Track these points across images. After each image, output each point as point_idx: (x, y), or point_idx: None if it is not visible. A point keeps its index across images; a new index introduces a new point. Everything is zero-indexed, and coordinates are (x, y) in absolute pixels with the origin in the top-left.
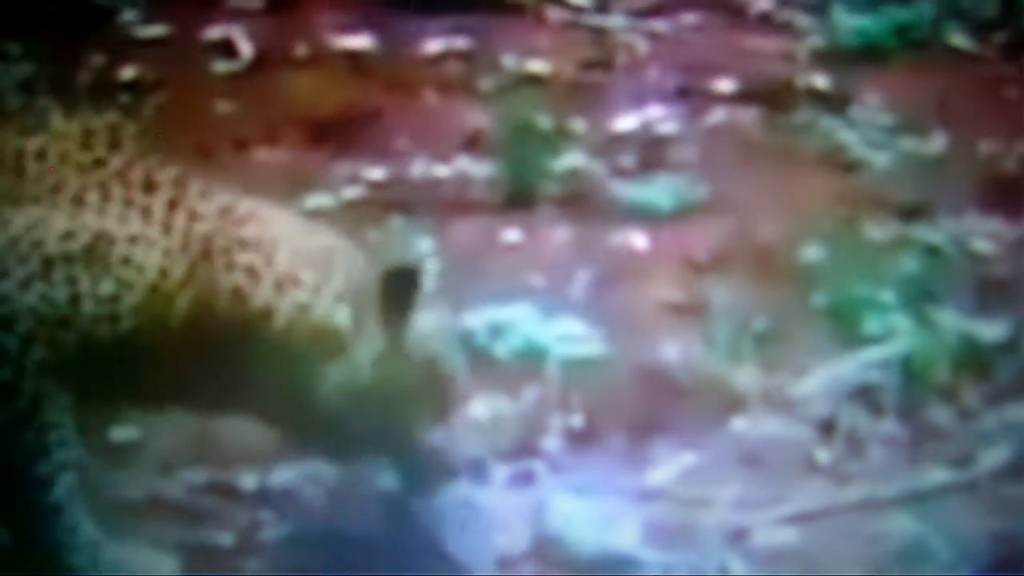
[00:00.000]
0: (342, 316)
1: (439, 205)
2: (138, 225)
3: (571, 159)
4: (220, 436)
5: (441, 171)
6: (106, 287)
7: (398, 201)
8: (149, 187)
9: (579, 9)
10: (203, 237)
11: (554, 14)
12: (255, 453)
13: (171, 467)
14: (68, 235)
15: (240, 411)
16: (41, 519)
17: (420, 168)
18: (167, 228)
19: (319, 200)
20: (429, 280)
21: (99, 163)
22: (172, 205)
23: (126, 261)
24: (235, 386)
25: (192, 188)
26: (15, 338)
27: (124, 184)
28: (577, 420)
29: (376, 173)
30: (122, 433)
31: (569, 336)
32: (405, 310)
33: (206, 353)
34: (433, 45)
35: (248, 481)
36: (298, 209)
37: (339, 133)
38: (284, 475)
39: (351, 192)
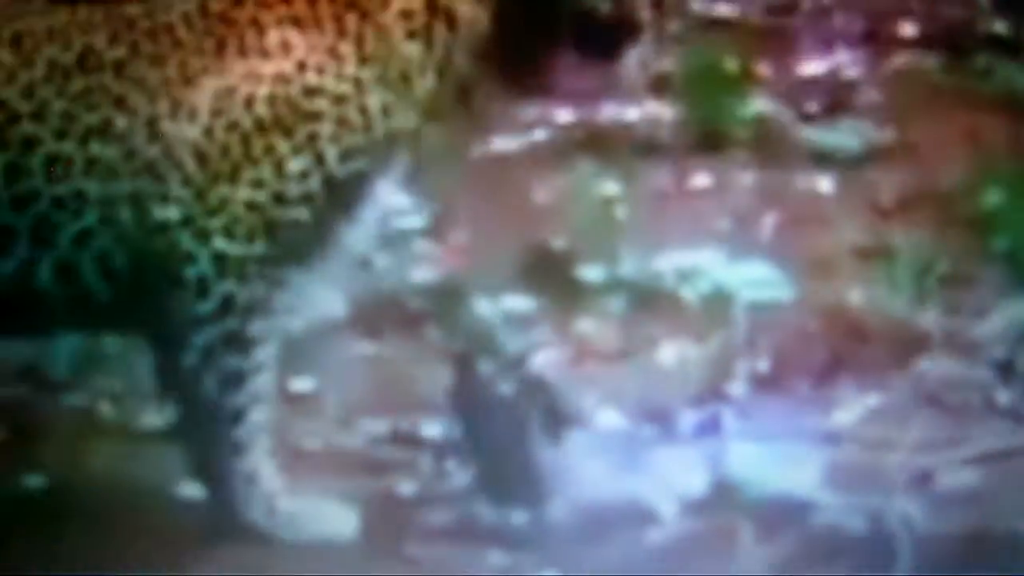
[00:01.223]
0: None
1: (628, 148)
2: None
3: (758, 104)
4: (403, 383)
5: (630, 114)
6: None
7: (586, 144)
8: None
9: None
10: None
11: None
12: (436, 400)
13: (351, 417)
14: None
15: None
16: (221, 458)
17: (609, 111)
18: None
19: (506, 143)
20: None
21: None
22: None
23: None
24: None
25: None
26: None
27: None
28: (763, 364)
29: (564, 116)
30: (301, 384)
31: (756, 280)
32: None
33: None
34: None
35: (431, 429)
36: (486, 151)
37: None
38: None
39: (539, 135)
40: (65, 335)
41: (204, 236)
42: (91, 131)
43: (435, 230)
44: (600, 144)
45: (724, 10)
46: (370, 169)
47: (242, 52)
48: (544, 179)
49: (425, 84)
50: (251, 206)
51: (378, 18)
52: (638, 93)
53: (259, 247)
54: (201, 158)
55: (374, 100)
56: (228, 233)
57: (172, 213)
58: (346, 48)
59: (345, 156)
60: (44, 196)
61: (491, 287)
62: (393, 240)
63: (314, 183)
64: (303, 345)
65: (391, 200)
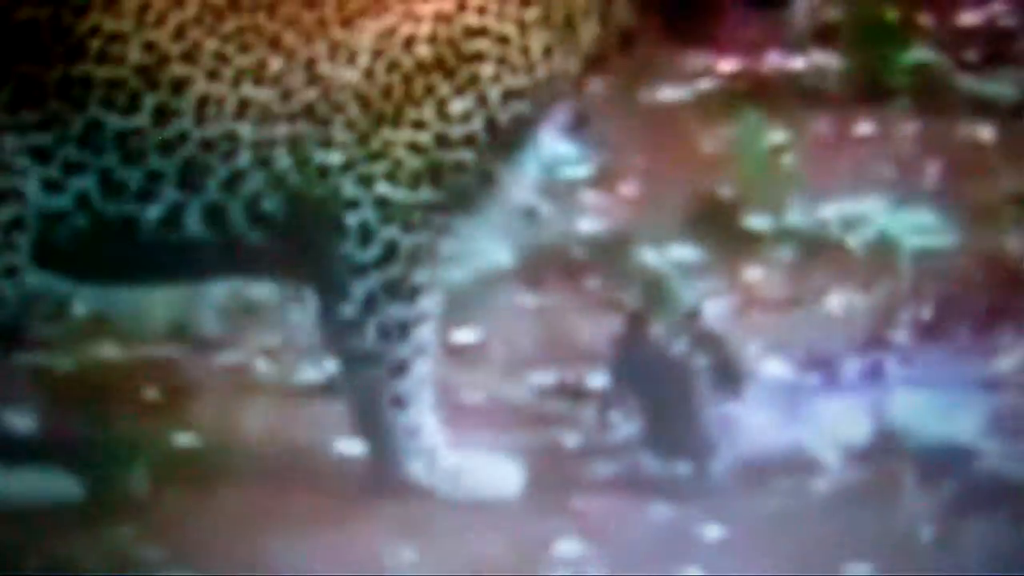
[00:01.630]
0: None
1: (793, 97)
2: None
3: (918, 53)
4: (568, 334)
5: (795, 63)
6: None
7: (751, 93)
8: None
9: None
10: None
11: None
12: (601, 351)
13: (516, 369)
14: None
15: None
16: (382, 411)
17: (774, 60)
18: None
19: (673, 93)
20: None
21: None
22: None
23: None
24: None
25: None
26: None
27: None
28: (926, 312)
29: (728, 65)
30: (464, 335)
31: (919, 227)
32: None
33: None
34: None
35: (596, 380)
36: (651, 100)
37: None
38: None
39: (704, 84)
40: (214, 284)
41: (367, 181)
42: (243, 73)
43: (601, 180)
44: (766, 94)
45: None
46: (532, 113)
47: None
48: (711, 129)
49: (588, 28)
50: (414, 148)
51: None
52: (803, 43)
53: (424, 193)
54: (363, 101)
55: (536, 42)
56: (392, 178)
57: (334, 158)
58: None
59: (507, 97)
60: (193, 138)
61: (658, 237)
62: (559, 190)
63: (477, 125)
64: (467, 296)
65: (557, 149)
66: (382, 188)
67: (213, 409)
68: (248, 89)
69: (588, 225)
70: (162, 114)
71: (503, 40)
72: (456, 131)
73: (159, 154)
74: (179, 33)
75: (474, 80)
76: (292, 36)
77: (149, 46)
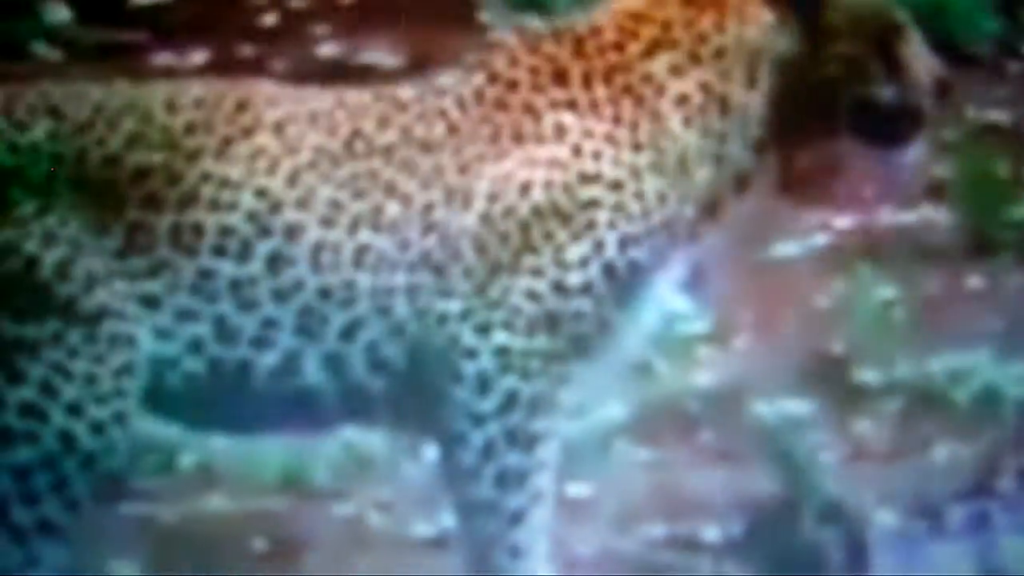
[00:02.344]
0: None
1: (904, 252)
2: None
3: None
4: (679, 490)
5: (906, 218)
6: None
7: (865, 248)
8: None
9: None
10: None
11: (1013, 66)
12: (715, 504)
13: (628, 521)
14: None
15: None
16: (499, 562)
17: (886, 216)
18: None
19: (787, 248)
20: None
21: None
22: None
23: None
24: None
25: None
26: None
27: None
28: None
29: (843, 221)
30: (576, 488)
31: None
32: None
33: None
34: None
35: (710, 533)
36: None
37: (808, 182)
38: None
39: (819, 239)
40: (331, 434)
41: (485, 330)
42: (360, 219)
43: (717, 335)
44: (878, 249)
45: (997, 115)
46: (649, 260)
47: (518, 138)
48: (823, 283)
49: (702, 172)
50: (532, 296)
51: (654, 104)
52: (915, 197)
53: (541, 340)
54: (480, 247)
55: (650, 187)
56: (509, 326)
57: (453, 306)
58: (622, 133)
59: (623, 244)
60: (309, 286)
61: (771, 391)
62: (674, 345)
63: (594, 271)
64: (581, 449)
65: (673, 304)
66: (500, 337)
67: (324, 562)
68: (365, 236)
69: (703, 379)
70: (276, 261)
71: (617, 186)
72: (574, 278)
73: (274, 301)
74: (292, 179)
75: (591, 226)
76: (408, 181)
77: (261, 192)
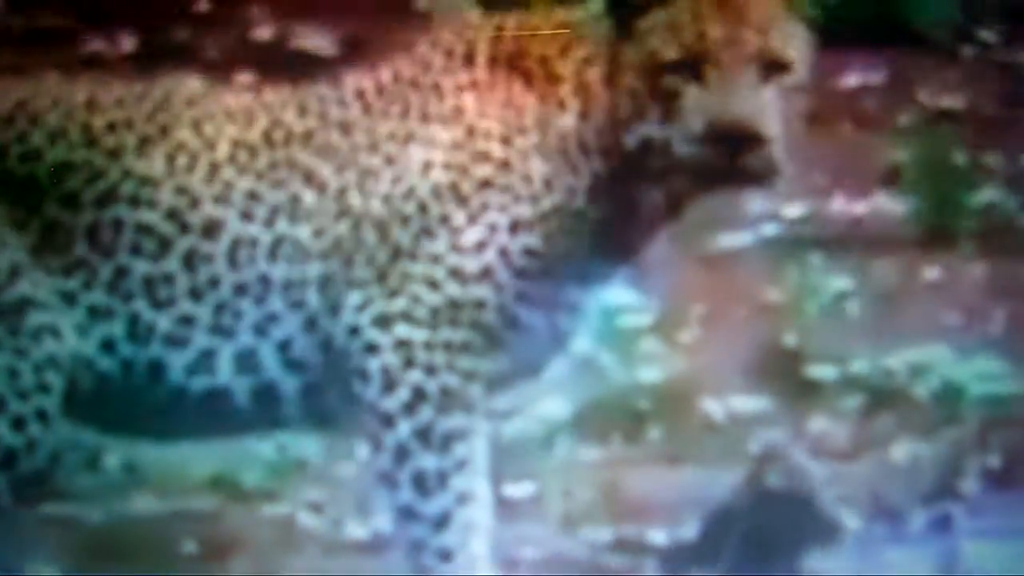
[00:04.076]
0: None
1: (858, 242)
2: None
3: (987, 194)
4: (626, 491)
5: (859, 208)
6: None
7: (817, 238)
8: None
9: (987, 45)
10: None
11: (967, 50)
12: (663, 507)
13: (572, 523)
14: None
15: None
16: (429, 569)
17: (838, 205)
18: None
19: (736, 238)
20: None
21: None
22: None
23: None
24: None
25: None
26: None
27: None
28: (994, 460)
29: (794, 210)
30: (518, 488)
31: (986, 374)
32: None
33: None
34: (851, 79)
35: (658, 536)
36: (714, 246)
37: None
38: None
39: (769, 229)
40: (256, 437)
41: (386, 322)
42: (278, 210)
43: (663, 328)
44: (830, 238)
45: (951, 101)
46: (545, 247)
47: (424, 118)
48: (774, 275)
49: (588, 162)
50: (430, 284)
51: (544, 87)
52: (868, 185)
53: (444, 332)
54: (382, 232)
55: (536, 169)
56: (409, 318)
57: (355, 298)
58: (510, 115)
59: (514, 228)
60: (225, 282)
61: (721, 387)
62: (619, 339)
63: (490, 256)
64: (522, 447)
65: (616, 296)
66: (401, 330)
67: (252, 563)
68: (282, 226)
69: (649, 375)
70: (192, 258)
71: (505, 165)
72: (471, 264)
73: (190, 299)
74: (211, 174)
75: (484, 208)
76: (324, 166)
77: (181, 189)
